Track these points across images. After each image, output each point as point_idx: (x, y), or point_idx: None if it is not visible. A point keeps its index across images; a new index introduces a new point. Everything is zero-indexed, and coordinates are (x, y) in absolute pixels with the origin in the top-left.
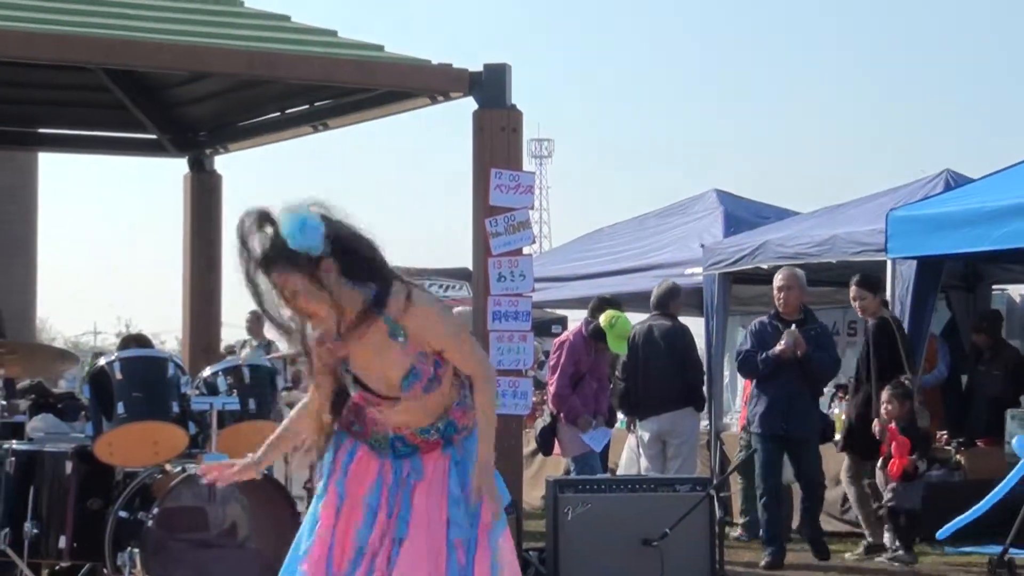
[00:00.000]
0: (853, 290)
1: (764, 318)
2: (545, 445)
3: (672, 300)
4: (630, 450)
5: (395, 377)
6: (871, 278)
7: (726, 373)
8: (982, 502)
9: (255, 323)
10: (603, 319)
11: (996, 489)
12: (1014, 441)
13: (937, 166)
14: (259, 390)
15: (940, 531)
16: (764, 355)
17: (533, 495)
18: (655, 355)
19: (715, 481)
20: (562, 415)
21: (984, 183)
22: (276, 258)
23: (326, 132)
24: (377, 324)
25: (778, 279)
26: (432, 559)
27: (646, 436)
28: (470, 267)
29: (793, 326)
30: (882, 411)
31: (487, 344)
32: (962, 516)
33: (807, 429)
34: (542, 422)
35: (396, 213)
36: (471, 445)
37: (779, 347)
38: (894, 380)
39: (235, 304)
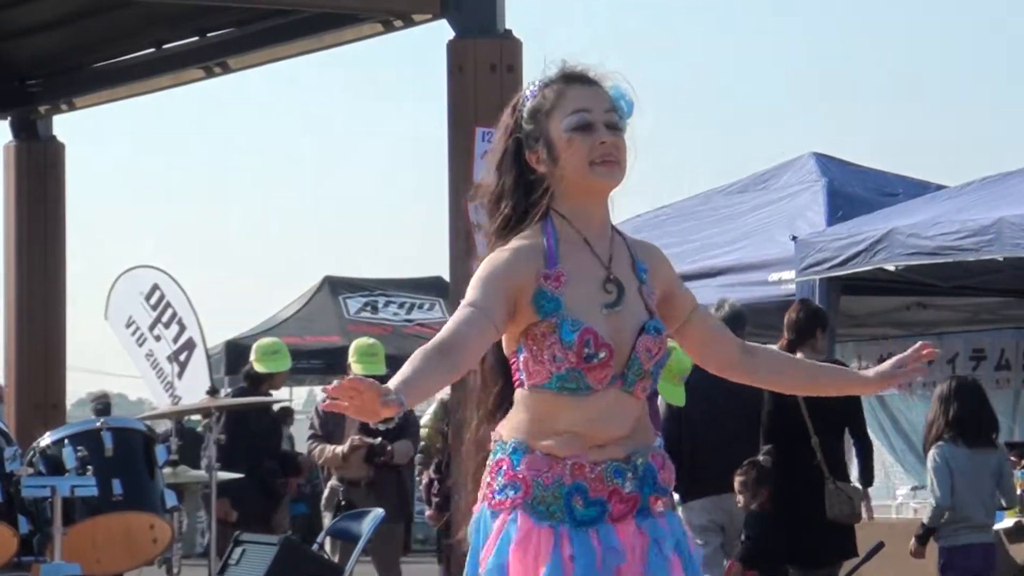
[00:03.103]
0: None
1: None
2: None
3: (738, 329)
4: None
5: (635, 324)
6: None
7: None
8: None
9: None
10: None
11: None
12: None
13: None
14: (129, 466)
15: None
16: None
17: None
18: (713, 405)
19: None
20: None
21: None
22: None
23: (226, 76)
24: (620, 245)
25: None
26: None
27: (698, 522)
28: (445, 276)
29: None
30: None
31: (471, 386)
32: None
33: None
34: None
35: (337, 200)
36: (676, 525)
37: None
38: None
39: (92, 330)
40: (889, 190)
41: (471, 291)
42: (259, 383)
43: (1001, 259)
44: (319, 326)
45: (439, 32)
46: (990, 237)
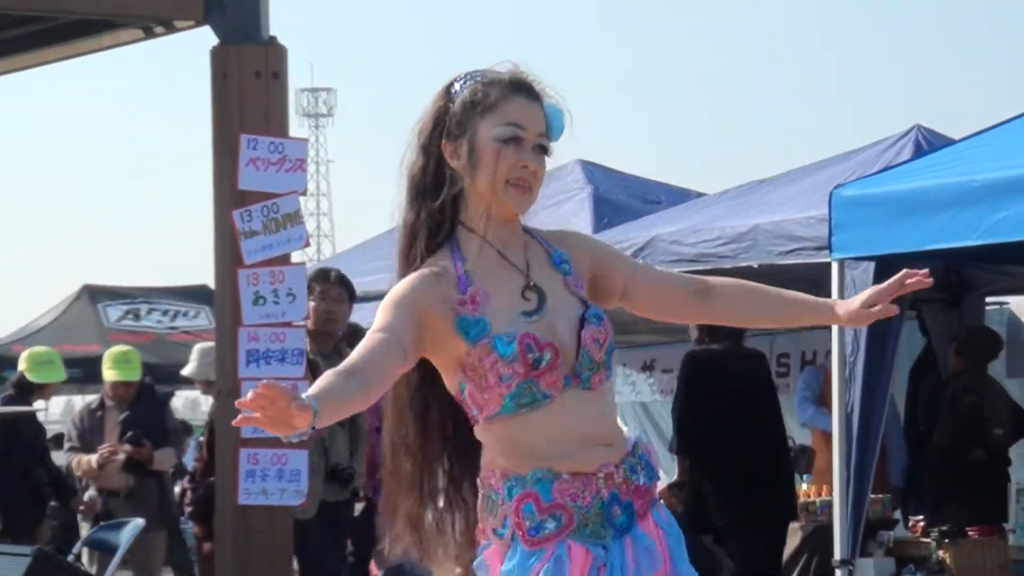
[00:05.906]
0: None
1: None
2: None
3: None
4: None
5: (572, 318)
6: None
7: None
8: None
9: None
10: None
11: None
12: None
13: (903, 122)
14: None
15: None
16: None
17: None
18: None
19: None
20: (378, 504)
21: (972, 145)
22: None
23: None
24: (534, 243)
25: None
26: None
27: None
28: (211, 284)
29: None
30: None
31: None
32: None
33: None
34: None
35: (98, 207)
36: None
37: None
38: None
39: None
40: (652, 197)
41: (379, 317)
42: (29, 392)
43: (756, 266)
44: (77, 335)
45: (203, 38)
46: (747, 244)
